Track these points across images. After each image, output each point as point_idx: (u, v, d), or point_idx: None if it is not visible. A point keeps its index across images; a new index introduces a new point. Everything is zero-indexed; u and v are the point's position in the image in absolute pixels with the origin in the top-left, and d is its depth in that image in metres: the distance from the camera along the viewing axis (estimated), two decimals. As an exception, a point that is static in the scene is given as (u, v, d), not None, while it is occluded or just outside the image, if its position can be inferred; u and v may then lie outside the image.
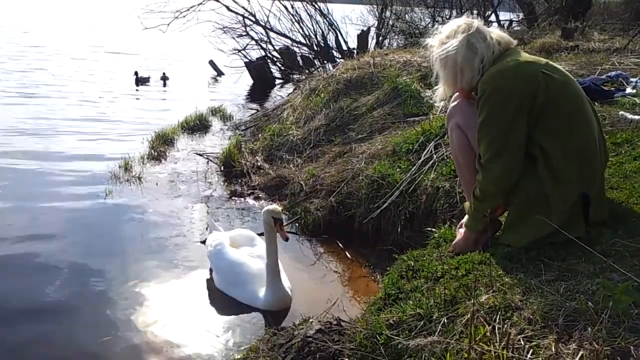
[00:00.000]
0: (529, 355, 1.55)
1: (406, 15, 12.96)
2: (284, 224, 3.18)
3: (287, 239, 3.10)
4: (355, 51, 11.26)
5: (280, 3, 11.37)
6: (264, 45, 11.66)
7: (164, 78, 11.54)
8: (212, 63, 12.96)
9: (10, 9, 25.36)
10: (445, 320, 1.91)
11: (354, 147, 5.03)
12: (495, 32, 2.34)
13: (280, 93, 10.56)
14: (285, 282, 3.24)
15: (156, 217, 4.45)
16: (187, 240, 4.05)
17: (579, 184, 2.16)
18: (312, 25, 11.29)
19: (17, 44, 15.75)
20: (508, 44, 2.33)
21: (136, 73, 11.08)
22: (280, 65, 11.94)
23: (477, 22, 2.33)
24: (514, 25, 12.72)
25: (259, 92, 11.00)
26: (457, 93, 2.51)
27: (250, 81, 11.80)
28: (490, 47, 2.27)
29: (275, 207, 3.19)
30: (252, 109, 9.25)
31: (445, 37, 2.35)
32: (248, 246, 3.56)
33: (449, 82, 2.38)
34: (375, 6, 12.73)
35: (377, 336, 2.02)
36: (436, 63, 2.39)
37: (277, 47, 11.75)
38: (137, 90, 10.49)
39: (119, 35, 19.57)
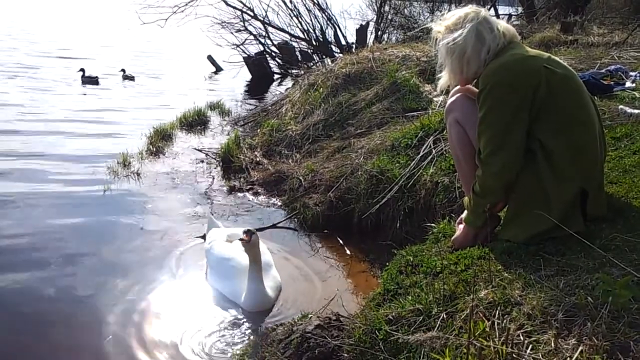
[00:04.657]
0: (528, 351, 1.54)
1: (405, 10, 12.92)
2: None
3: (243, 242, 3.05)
4: (354, 46, 11.23)
5: (278, -3, 11.32)
6: (262, 40, 11.62)
7: (126, 77, 10.85)
8: (210, 58, 12.91)
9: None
10: (445, 316, 1.91)
11: (353, 142, 5.02)
12: (502, 24, 2.32)
13: (279, 88, 10.53)
14: (271, 282, 3.21)
15: (155, 213, 4.45)
16: (186, 235, 4.04)
17: (579, 179, 2.15)
18: (311, 20, 11.24)
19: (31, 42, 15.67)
20: (513, 37, 2.31)
21: (82, 70, 10.25)
22: (278, 60, 11.90)
23: (485, 11, 2.31)
24: (513, 19, 12.68)
25: (257, 87, 10.97)
26: (455, 89, 2.50)
27: (249, 76, 11.78)
28: (496, 39, 2.25)
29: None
30: (250, 104, 9.23)
31: (452, 24, 2.31)
32: None
33: (455, 71, 2.34)
34: (374, 0, 12.69)
35: (376, 331, 2.01)
36: (442, 50, 2.34)
37: (275, 42, 11.71)
38: (84, 89, 9.84)
39: (117, 31, 19.49)
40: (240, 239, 3.01)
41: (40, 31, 18.24)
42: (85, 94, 9.28)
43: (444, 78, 2.45)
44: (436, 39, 2.39)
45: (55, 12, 25.83)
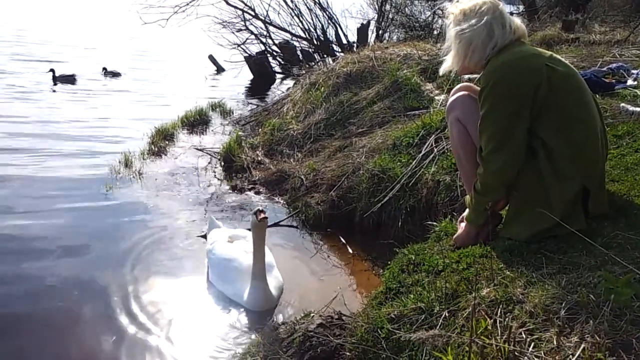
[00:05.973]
0: (530, 349, 1.55)
1: (406, 9, 12.89)
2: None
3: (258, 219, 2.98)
4: (355, 45, 11.22)
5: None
6: (263, 40, 11.64)
7: (109, 73, 10.94)
8: (211, 58, 12.92)
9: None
10: (447, 314, 1.91)
11: (355, 141, 5.02)
12: (516, 22, 2.33)
13: (280, 88, 10.54)
14: (274, 281, 3.21)
15: (156, 213, 4.45)
16: (187, 235, 4.05)
17: (580, 177, 2.14)
18: (312, 19, 11.25)
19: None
20: (521, 35, 2.32)
21: (52, 70, 10.17)
22: (280, 60, 11.90)
23: (502, 6, 2.31)
24: (514, 17, 12.65)
25: (259, 86, 10.98)
26: (456, 88, 2.52)
27: (250, 76, 11.78)
28: (505, 35, 2.26)
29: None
30: (252, 103, 9.23)
31: (468, 9, 2.31)
32: (244, 240, 3.55)
33: (459, 55, 2.35)
34: (375, -1, 12.68)
35: (379, 330, 2.02)
36: (451, 33, 2.36)
37: (276, 42, 11.72)
38: (54, 89, 9.68)
39: (118, 31, 19.51)
40: (261, 218, 2.95)
41: (37, 33, 18.24)
42: (83, 100, 9.23)
43: (447, 62, 2.46)
44: (448, 19, 2.40)
45: (54, 13, 25.81)
